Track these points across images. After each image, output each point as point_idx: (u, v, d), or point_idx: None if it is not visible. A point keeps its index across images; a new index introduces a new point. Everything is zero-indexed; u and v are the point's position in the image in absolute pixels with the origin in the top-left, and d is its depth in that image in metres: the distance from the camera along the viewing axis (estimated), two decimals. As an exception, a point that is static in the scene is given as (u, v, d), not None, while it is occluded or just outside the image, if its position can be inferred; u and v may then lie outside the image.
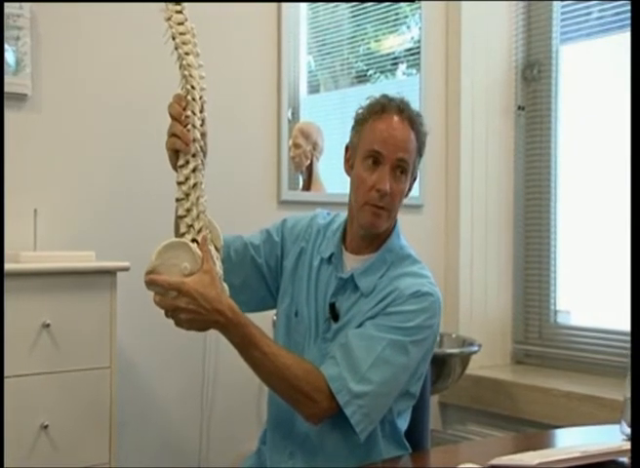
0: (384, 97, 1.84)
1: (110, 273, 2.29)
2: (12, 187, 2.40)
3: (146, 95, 2.70)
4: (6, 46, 2.39)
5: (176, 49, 1.62)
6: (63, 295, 2.21)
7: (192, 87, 1.62)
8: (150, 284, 1.61)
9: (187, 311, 1.61)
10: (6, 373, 2.09)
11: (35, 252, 2.36)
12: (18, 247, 2.33)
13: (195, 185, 1.66)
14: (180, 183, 1.66)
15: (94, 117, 2.62)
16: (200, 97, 1.65)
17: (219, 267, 1.69)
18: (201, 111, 1.66)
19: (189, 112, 1.62)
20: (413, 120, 1.81)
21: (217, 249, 1.71)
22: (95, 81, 2.62)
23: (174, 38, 1.62)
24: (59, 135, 2.56)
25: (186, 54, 1.62)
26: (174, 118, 1.63)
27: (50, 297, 2.20)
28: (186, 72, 1.62)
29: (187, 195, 1.66)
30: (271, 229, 2.01)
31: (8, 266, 2.14)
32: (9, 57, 2.40)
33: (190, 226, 1.66)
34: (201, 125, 1.66)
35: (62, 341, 2.21)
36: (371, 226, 1.83)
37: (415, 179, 1.90)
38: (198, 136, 1.65)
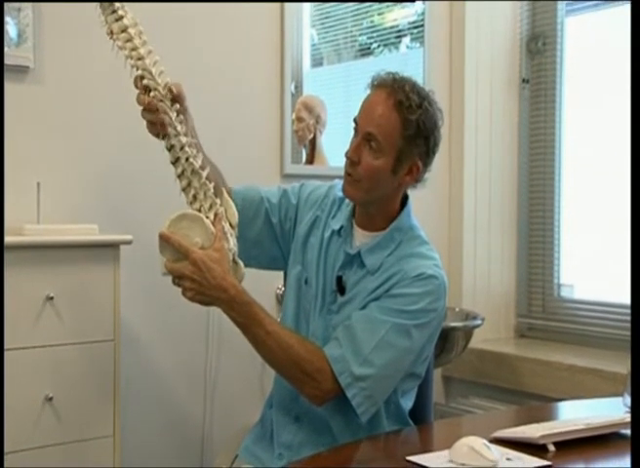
0: (389, 73, 1.82)
1: (113, 246, 2.29)
2: (15, 160, 2.40)
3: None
4: (8, 18, 2.37)
5: (128, 58, 1.71)
6: (67, 268, 2.22)
7: (147, 76, 1.69)
8: (164, 240, 1.66)
9: (191, 280, 1.65)
10: (10, 345, 2.11)
11: (39, 225, 2.36)
12: (21, 220, 2.33)
13: (193, 171, 1.69)
14: (179, 176, 1.70)
15: (96, 90, 2.61)
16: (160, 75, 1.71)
17: (232, 244, 1.71)
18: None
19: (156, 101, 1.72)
20: (402, 103, 1.75)
21: (231, 226, 1.73)
22: (97, 53, 2.59)
23: (121, 49, 1.71)
24: (61, 107, 2.54)
25: (133, 50, 1.69)
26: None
27: (53, 270, 2.20)
28: (139, 72, 1.71)
29: (189, 183, 1.69)
30: (289, 190, 2.00)
31: (11, 239, 2.14)
32: (10, 29, 2.39)
33: (199, 209, 1.69)
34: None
35: (66, 314, 2.21)
36: (344, 194, 1.84)
37: (417, 168, 1.81)
38: (168, 119, 1.70)
